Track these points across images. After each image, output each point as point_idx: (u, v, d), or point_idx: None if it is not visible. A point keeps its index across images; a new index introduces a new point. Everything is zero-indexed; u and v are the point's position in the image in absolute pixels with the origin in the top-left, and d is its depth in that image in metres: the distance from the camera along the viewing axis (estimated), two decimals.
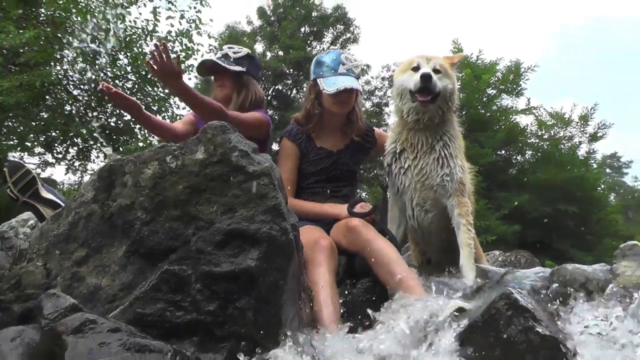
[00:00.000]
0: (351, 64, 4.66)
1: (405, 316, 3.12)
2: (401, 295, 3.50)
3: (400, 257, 3.95)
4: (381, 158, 4.84)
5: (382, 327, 3.19)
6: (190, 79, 18.03)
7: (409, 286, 3.65)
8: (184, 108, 18.38)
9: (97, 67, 16.28)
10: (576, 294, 3.37)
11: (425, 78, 4.26)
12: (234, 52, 5.20)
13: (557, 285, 3.50)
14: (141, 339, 2.31)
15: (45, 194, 4.48)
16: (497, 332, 2.91)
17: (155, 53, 4.28)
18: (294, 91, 33.82)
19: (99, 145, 17.81)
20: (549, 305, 3.26)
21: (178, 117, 17.48)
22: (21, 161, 4.90)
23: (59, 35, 15.61)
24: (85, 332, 2.32)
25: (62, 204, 4.18)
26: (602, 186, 30.24)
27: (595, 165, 29.91)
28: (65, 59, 17.00)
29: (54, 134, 17.83)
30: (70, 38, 15.62)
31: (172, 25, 17.45)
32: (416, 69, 4.36)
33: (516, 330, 2.86)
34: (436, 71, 4.35)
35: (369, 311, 3.40)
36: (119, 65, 17.33)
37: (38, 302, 2.60)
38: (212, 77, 5.28)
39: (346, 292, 4.00)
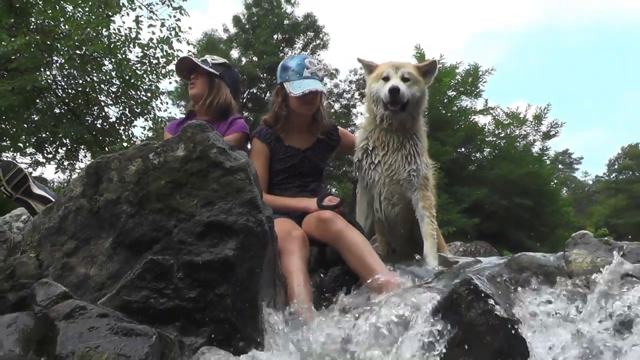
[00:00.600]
0: (314, 68, 4.69)
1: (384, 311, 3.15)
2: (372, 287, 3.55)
3: (371, 249, 3.98)
4: (349, 156, 4.88)
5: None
6: (171, 83, 18.06)
7: (384, 283, 3.65)
8: (165, 110, 18.41)
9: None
10: (531, 280, 3.40)
11: (393, 92, 4.32)
12: (212, 59, 5.30)
13: (513, 272, 3.51)
14: (127, 324, 2.31)
15: (37, 190, 4.47)
16: (459, 315, 2.93)
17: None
18: (268, 94, 33.75)
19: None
20: (506, 290, 3.29)
21: (160, 120, 17.51)
22: (13, 160, 4.90)
23: (48, 42, 15.54)
24: (75, 318, 2.32)
25: (53, 199, 4.18)
26: (555, 181, 30.45)
27: (548, 162, 30.15)
28: (54, 65, 17.01)
29: (44, 135, 17.91)
30: (58, 45, 15.54)
31: (153, 33, 17.38)
32: (386, 78, 4.41)
33: (476, 314, 2.89)
34: (405, 79, 4.40)
35: (341, 296, 3.42)
36: (104, 70, 17.31)
37: (31, 290, 2.61)
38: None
39: (318, 280, 4.01)
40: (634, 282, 3.18)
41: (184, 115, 5.74)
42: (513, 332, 2.86)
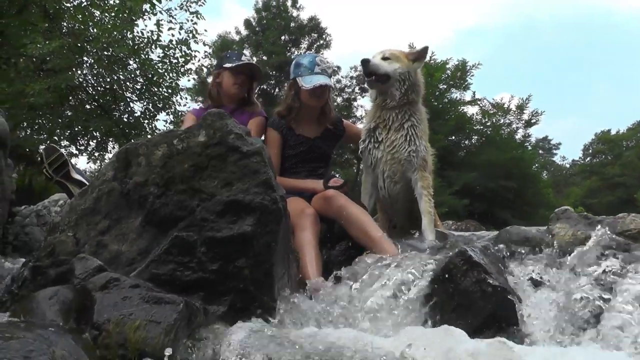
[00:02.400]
0: (324, 65, 4.72)
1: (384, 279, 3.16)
2: (375, 254, 3.53)
3: (371, 219, 4.00)
4: (351, 145, 4.93)
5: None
6: (189, 80, 18.09)
7: (383, 247, 3.70)
8: (184, 105, 18.45)
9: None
10: (519, 251, 3.40)
11: (363, 62, 4.48)
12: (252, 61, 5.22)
13: (502, 244, 3.51)
14: (157, 293, 2.31)
15: (75, 175, 4.47)
16: (455, 283, 2.94)
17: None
18: (277, 90, 33.97)
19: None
20: (497, 260, 3.29)
21: (180, 114, 17.56)
22: (55, 145, 4.89)
23: (79, 44, 15.64)
24: (110, 289, 2.34)
25: (88, 184, 4.18)
26: (536, 165, 30.64)
27: (530, 147, 30.31)
28: (85, 65, 17.16)
29: (76, 129, 18.07)
30: (88, 47, 15.62)
31: (172, 35, 17.51)
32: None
33: (470, 282, 2.91)
34: (385, 58, 4.48)
35: (338, 272, 3.41)
36: (129, 69, 17.46)
37: (70, 264, 2.62)
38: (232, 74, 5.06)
39: (326, 255, 4.02)
40: (613, 252, 3.19)
41: (202, 106, 5.70)
42: (504, 298, 2.88)
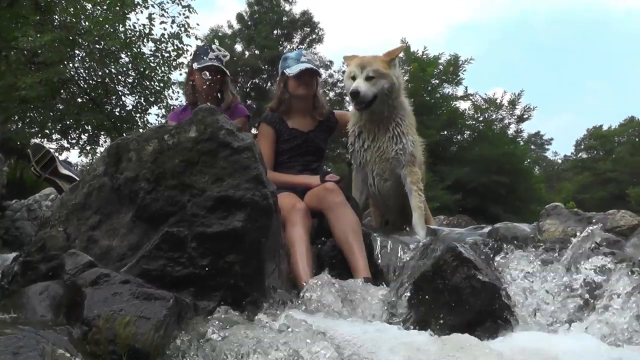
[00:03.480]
0: (310, 57, 4.80)
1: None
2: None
3: (358, 231, 3.97)
4: (344, 139, 4.90)
5: None
6: (181, 74, 18.01)
7: (358, 266, 3.76)
8: (176, 99, 18.40)
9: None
10: (509, 247, 3.40)
11: (354, 95, 4.31)
12: (223, 56, 5.07)
13: (493, 240, 3.51)
14: (147, 289, 2.32)
15: (63, 171, 4.47)
16: (445, 280, 2.93)
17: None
18: (269, 84, 33.86)
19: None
20: (487, 256, 3.29)
21: (172, 107, 17.51)
22: (42, 143, 4.89)
23: (71, 38, 15.61)
24: (100, 284, 2.33)
25: (77, 179, 4.16)
26: (528, 160, 30.71)
27: (522, 143, 30.36)
28: (76, 58, 17.14)
29: (68, 122, 17.98)
30: (80, 40, 15.61)
31: (165, 29, 17.39)
32: (354, 78, 4.37)
33: (460, 278, 2.89)
34: (369, 78, 4.32)
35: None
36: (121, 63, 17.43)
37: (60, 260, 2.62)
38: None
39: (317, 250, 4.01)
40: (602, 250, 3.20)
41: (183, 105, 5.64)
42: (494, 294, 2.88)
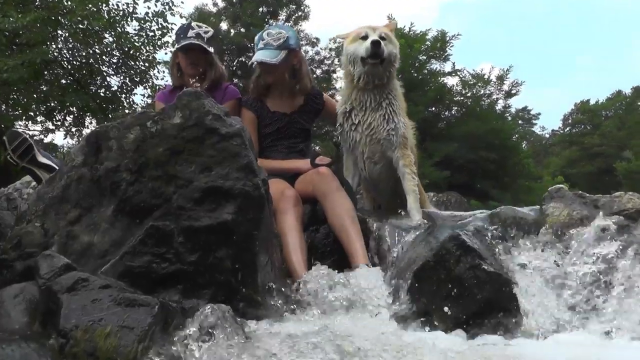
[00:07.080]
0: (270, 38, 4.56)
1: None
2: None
3: (354, 217, 3.84)
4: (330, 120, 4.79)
5: None
6: (167, 54, 17.89)
7: (356, 253, 3.59)
8: (162, 79, 18.32)
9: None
10: (513, 233, 3.28)
11: (375, 44, 4.15)
12: (205, 32, 4.87)
13: (495, 226, 3.36)
14: (130, 294, 2.18)
15: (42, 159, 4.28)
16: (448, 270, 2.89)
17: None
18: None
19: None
20: (491, 243, 3.18)
21: (157, 87, 17.44)
22: (19, 130, 4.71)
23: (53, 18, 15.47)
24: (78, 290, 2.18)
25: (57, 168, 4.00)
26: (516, 136, 30.84)
27: (510, 118, 30.52)
28: (60, 39, 17.09)
29: (52, 104, 17.81)
30: (63, 20, 15.51)
31: (149, 8, 17.41)
32: (365, 37, 4.23)
33: (464, 268, 2.86)
34: (382, 38, 4.23)
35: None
36: (105, 43, 17.29)
37: (35, 262, 2.46)
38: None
39: (309, 238, 3.86)
40: (612, 235, 3.09)
41: (170, 85, 5.45)
42: (499, 284, 2.84)
